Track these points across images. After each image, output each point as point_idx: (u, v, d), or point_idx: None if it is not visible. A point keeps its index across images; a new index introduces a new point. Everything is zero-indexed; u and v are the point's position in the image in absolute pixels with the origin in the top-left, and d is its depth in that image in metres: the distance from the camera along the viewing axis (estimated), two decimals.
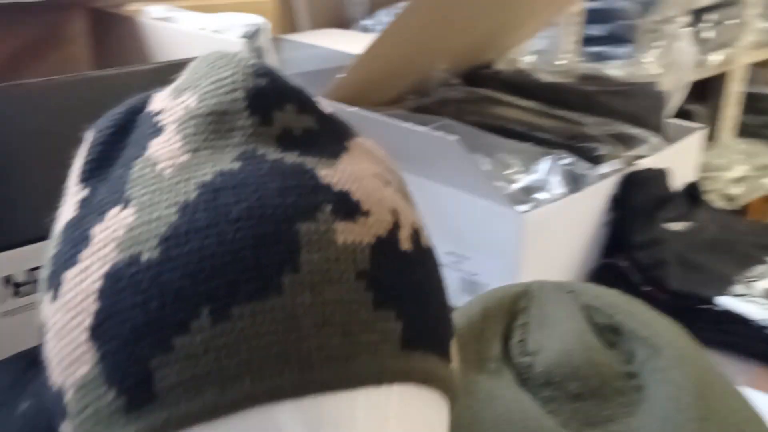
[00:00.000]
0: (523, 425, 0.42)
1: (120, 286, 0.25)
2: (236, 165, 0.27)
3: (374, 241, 0.27)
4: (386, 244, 0.27)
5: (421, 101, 0.89)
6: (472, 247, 0.69)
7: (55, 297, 0.28)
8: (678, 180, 0.84)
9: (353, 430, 0.25)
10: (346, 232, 0.26)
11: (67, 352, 0.27)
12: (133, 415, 0.25)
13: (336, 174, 0.28)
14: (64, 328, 0.27)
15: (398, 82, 0.87)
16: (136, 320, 0.25)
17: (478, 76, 0.95)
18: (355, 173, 0.28)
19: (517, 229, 0.65)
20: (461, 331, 0.48)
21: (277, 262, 0.25)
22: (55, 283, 0.28)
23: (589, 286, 0.53)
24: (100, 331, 0.26)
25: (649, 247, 0.71)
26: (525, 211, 0.64)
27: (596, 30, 1.17)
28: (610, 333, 0.50)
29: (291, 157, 0.28)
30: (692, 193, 0.85)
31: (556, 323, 0.50)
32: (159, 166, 0.27)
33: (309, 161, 0.28)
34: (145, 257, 0.25)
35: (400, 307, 0.27)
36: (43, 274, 0.29)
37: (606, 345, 0.49)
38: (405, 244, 0.28)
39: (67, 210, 0.30)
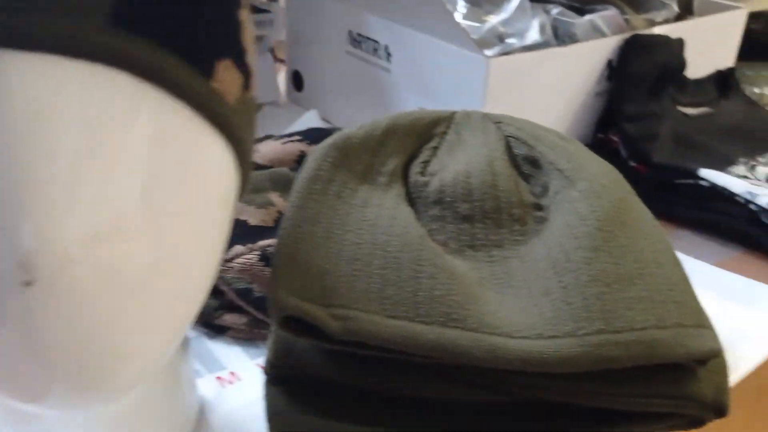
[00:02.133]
0: (387, 231, 0.38)
1: None
2: None
3: None
4: None
5: None
6: (439, 100, 0.64)
7: None
8: (708, 63, 0.75)
9: (39, 103, 0.22)
10: None
11: None
12: None
13: None
14: None
15: None
16: None
17: None
18: None
19: (482, 78, 0.59)
20: (354, 139, 0.43)
21: None
22: None
23: (521, 120, 0.47)
24: None
25: (641, 119, 0.63)
26: (491, 56, 0.58)
27: None
28: (528, 164, 0.44)
29: None
30: (724, 80, 0.75)
31: (468, 148, 0.45)
32: None
33: None
34: None
35: None
36: None
37: (522, 176, 0.44)
38: None
39: None
